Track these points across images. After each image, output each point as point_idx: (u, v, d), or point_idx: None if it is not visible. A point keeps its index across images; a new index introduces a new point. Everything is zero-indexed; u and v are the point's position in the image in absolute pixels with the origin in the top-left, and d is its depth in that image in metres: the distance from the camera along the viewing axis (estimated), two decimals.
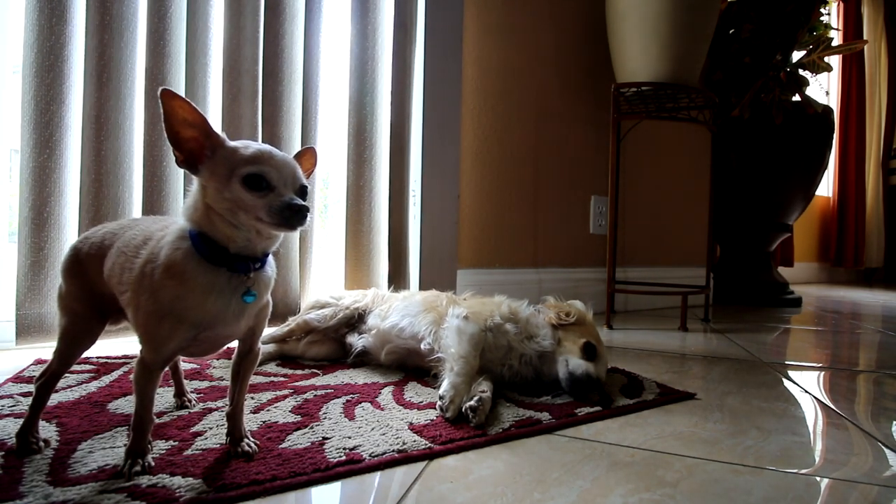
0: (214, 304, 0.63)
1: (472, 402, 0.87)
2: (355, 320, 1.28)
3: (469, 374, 0.97)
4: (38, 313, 1.28)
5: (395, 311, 1.21)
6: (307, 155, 0.74)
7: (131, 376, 0.67)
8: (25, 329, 1.26)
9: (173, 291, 0.62)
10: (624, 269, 2.40)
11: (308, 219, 0.62)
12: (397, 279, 1.75)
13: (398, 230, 1.77)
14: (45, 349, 1.29)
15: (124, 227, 0.75)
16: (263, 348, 1.23)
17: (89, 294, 0.74)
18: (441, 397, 0.91)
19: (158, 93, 0.59)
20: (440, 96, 1.86)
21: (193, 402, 0.92)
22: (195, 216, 0.63)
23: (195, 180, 0.64)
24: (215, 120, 1.50)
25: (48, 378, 0.73)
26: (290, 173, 0.63)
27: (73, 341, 0.74)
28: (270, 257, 0.70)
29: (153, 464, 0.66)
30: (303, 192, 0.64)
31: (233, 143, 0.63)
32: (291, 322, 1.30)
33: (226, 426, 0.74)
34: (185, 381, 0.94)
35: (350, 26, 1.70)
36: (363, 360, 1.24)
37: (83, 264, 0.74)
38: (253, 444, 0.73)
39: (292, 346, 1.27)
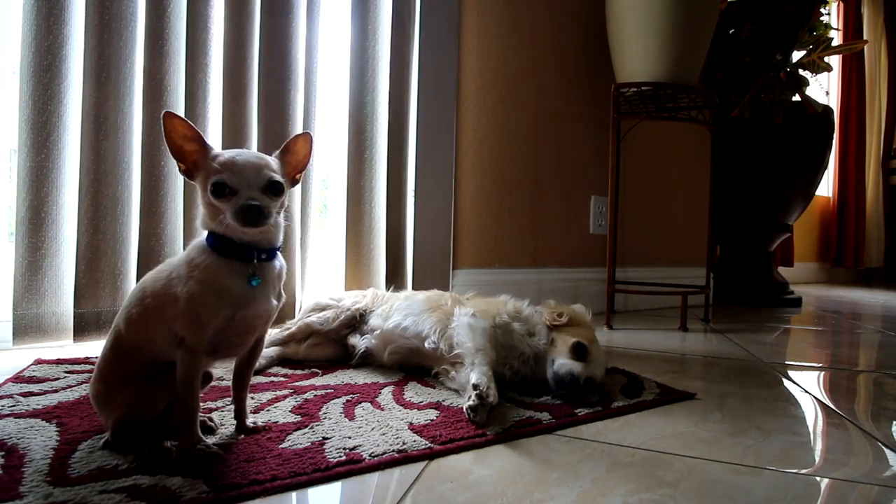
0: (242, 285, 0.70)
1: (471, 402, 0.87)
2: (356, 321, 1.28)
3: (490, 364, 0.98)
4: (35, 314, 1.28)
5: (398, 310, 1.21)
6: (299, 143, 0.75)
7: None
8: (22, 329, 1.26)
9: (204, 277, 0.68)
10: (624, 269, 2.40)
11: (268, 213, 0.67)
12: (395, 279, 1.75)
13: (396, 230, 1.77)
14: (44, 349, 1.29)
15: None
16: (266, 352, 1.22)
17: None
18: (475, 386, 0.89)
19: (161, 115, 0.67)
20: (434, 95, 1.86)
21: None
22: (203, 217, 0.71)
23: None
24: (215, 120, 1.50)
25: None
26: (252, 174, 0.68)
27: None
28: (279, 254, 0.75)
29: (212, 446, 0.71)
30: (272, 187, 0.69)
31: (214, 152, 0.70)
32: (292, 325, 1.29)
33: (224, 424, 0.75)
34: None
35: (350, 26, 1.70)
36: (365, 360, 1.24)
37: None
38: (259, 423, 0.80)
39: (294, 349, 1.27)
